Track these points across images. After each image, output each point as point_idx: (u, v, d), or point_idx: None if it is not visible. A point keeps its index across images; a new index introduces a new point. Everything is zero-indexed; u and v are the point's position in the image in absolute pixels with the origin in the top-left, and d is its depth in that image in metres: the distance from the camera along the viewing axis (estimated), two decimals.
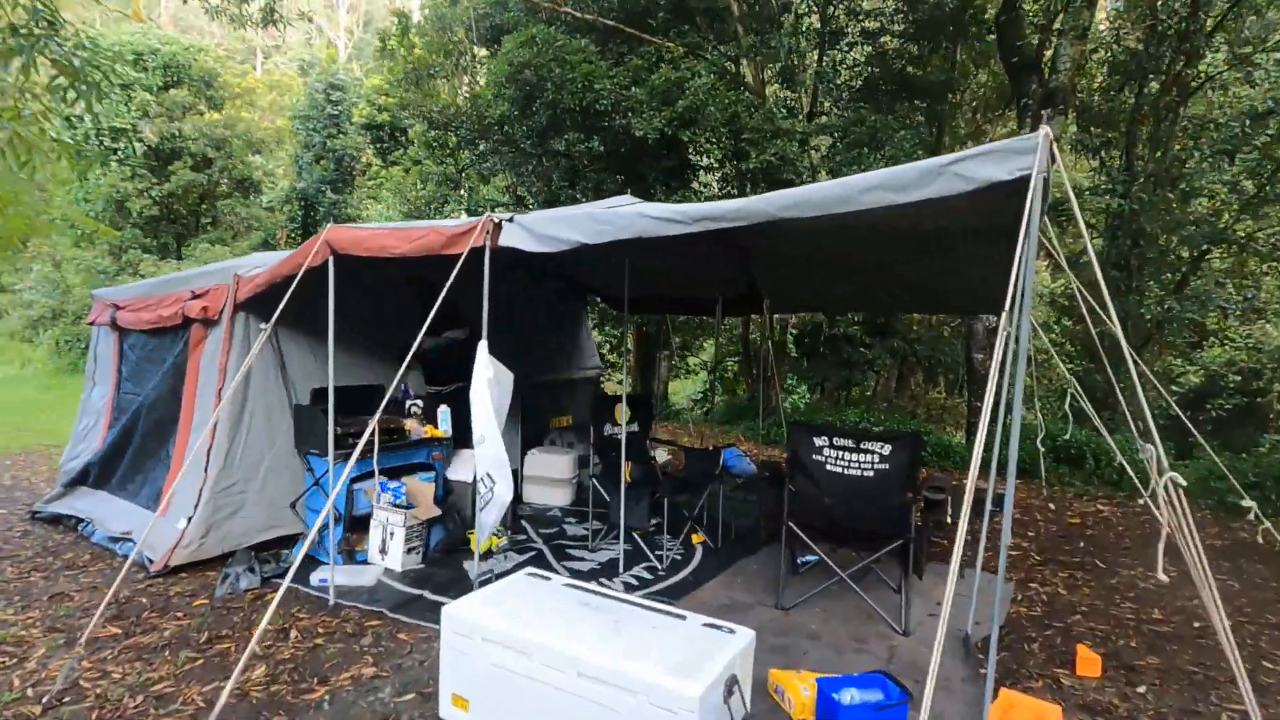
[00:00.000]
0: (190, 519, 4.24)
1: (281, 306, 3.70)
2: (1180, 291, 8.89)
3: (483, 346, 3.16)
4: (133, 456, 4.91)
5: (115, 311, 5.25)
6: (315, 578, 4.10)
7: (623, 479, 4.32)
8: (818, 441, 3.71)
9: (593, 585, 2.92)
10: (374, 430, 3.16)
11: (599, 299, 8.00)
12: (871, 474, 3.62)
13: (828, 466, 3.70)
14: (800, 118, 9.71)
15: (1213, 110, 9.08)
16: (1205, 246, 8.85)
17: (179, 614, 3.64)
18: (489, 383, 3.08)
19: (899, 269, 5.07)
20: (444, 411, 5.05)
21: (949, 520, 4.16)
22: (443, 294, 3.11)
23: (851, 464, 3.64)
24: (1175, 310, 8.40)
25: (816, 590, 3.87)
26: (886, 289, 5.66)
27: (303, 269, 3.72)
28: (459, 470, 5.17)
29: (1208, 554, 2.46)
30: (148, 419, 4.82)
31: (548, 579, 3.00)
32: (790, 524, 3.87)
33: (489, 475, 3.04)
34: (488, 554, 4.71)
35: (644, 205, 2.84)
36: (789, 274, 5.69)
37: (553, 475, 6.14)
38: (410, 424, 5.04)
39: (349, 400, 4.75)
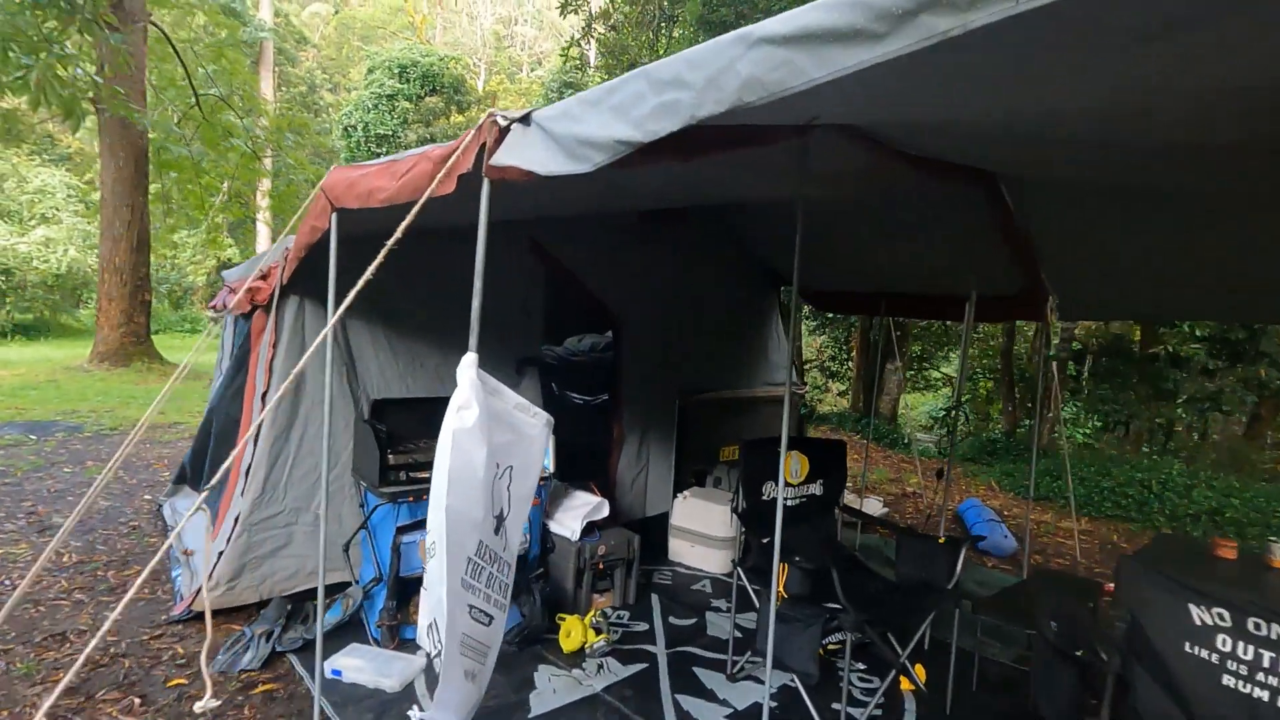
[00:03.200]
0: (220, 554, 3.37)
1: (281, 281, 2.57)
2: None
3: (467, 360, 1.63)
4: (210, 463, 4.28)
5: (227, 295, 4.73)
6: (333, 665, 2.96)
7: (774, 592, 2.53)
8: (1199, 615, 1.62)
9: None
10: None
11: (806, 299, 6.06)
12: None
13: (1224, 678, 1.59)
14: None
15: None
16: None
17: (139, 698, 2.69)
18: (459, 434, 1.55)
19: None
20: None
21: None
22: (384, 251, 1.66)
23: None
24: None
25: None
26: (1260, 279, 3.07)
27: (297, 227, 2.55)
28: (562, 520, 3.78)
29: None
30: (219, 421, 4.14)
31: None
32: None
33: (435, 626, 1.51)
34: (578, 654, 3.24)
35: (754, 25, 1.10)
36: (1096, 246, 3.38)
37: (707, 531, 4.48)
38: None
39: (413, 417, 3.59)
